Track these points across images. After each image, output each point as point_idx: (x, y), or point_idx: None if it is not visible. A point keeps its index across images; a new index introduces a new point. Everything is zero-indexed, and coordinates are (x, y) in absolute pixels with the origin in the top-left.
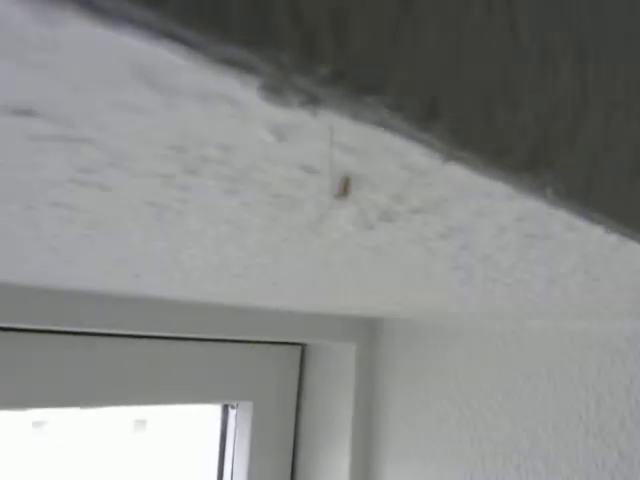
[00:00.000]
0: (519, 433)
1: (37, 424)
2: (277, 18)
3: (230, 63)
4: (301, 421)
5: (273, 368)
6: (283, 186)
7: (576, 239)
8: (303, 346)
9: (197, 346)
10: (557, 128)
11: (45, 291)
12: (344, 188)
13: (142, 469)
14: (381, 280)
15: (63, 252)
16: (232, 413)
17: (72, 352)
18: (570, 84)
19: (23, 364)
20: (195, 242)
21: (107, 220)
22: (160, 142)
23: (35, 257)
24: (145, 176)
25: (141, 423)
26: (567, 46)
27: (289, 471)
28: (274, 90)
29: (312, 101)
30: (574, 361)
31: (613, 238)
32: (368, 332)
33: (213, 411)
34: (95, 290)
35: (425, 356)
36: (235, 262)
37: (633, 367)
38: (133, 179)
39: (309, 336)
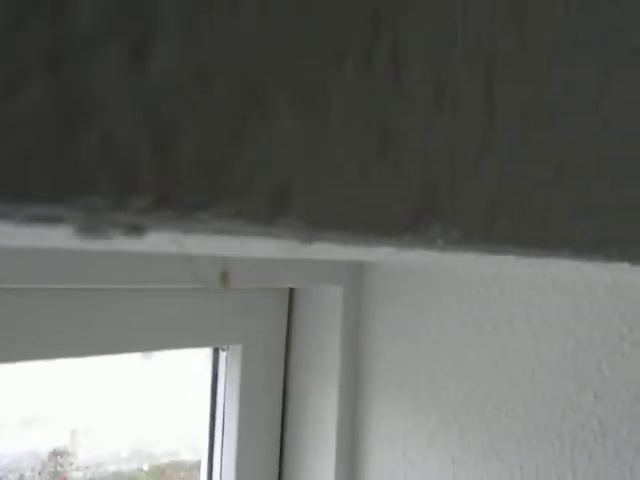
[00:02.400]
0: (499, 374)
1: None
2: (84, 161)
3: (38, 220)
4: (290, 362)
5: (261, 312)
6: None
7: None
8: (291, 289)
9: (187, 293)
10: (453, 170)
11: (41, 251)
12: (224, 281)
13: (147, 393)
14: None
15: None
16: (223, 355)
17: (69, 306)
18: (474, 115)
19: (20, 319)
20: None
21: None
22: None
23: None
24: None
25: (148, 352)
26: (473, 73)
27: (279, 410)
28: (91, 230)
29: (135, 230)
30: (553, 306)
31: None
32: (355, 275)
33: (207, 351)
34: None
35: (410, 299)
36: None
37: (610, 314)
38: None
39: (296, 280)
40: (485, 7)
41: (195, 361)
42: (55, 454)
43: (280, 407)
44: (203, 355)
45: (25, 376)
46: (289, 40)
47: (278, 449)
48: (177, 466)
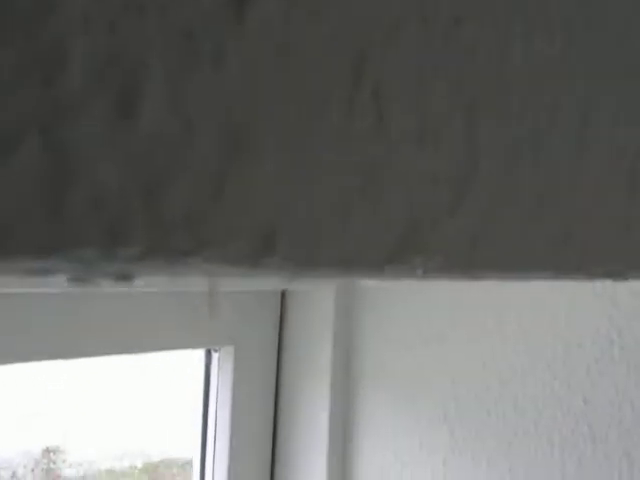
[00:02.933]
0: (490, 377)
1: None
2: (75, 217)
3: (30, 273)
4: (282, 363)
5: (253, 313)
6: None
7: None
8: (283, 290)
9: (179, 295)
10: (434, 205)
11: None
12: (210, 310)
13: (140, 391)
14: None
15: None
16: (215, 356)
17: (62, 308)
18: (455, 152)
19: (14, 322)
20: None
21: None
22: None
23: None
24: None
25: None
26: (455, 110)
27: (272, 411)
28: (81, 280)
29: (124, 278)
30: (544, 310)
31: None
32: None
33: (199, 352)
34: None
35: (401, 301)
36: None
37: (599, 318)
38: None
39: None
40: (468, 44)
41: (188, 361)
42: (48, 451)
43: (272, 407)
44: (196, 356)
45: (18, 374)
46: (273, 88)
47: (270, 449)
48: (170, 463)
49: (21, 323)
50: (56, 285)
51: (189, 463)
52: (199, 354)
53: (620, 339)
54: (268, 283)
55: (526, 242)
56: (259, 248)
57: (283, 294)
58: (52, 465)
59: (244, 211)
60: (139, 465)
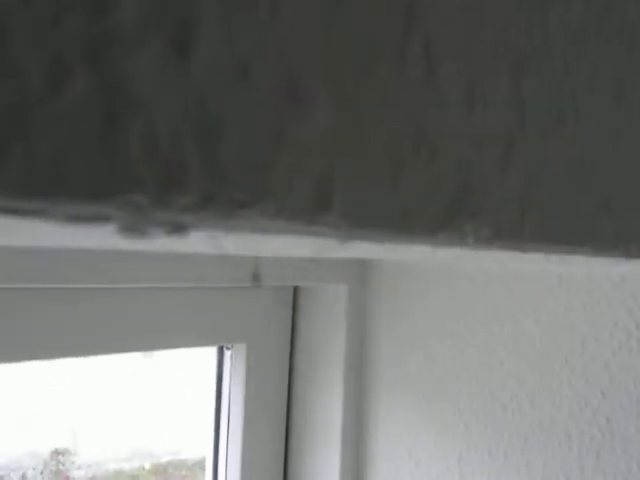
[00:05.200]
0: (505, 373)
1: None
2: (128, 158)
3: (80, 219)
4: (295, 361)
5: (265, 310)
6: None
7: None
8: (295, 287)
9: (191, 291)
10: (484, 166)
11: (42, 250)
12: (255, 274)
13: (151, 391)
14: None
15: None
16: (227, 354)
17: (72, 305)
18: (503, 111)
19: (24, 318)
20: None
21: None
22: None
23: None
24: None
25: (152, 351)
26: (500, 72)
27: (284, 408)
28: (133, 230)
29: (177, 229)
30: (560, 303)
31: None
32: (359, 273)
33: (211, 350)
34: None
35: (415, 297)
36: None
37: (617, 311)
38: None
39: (301, 278)
40: (510, 2)
41: (200, 360)
42: (57, 453)
43: (285, 405)
44: (208, 354)
45: (26, 375)
46: (324, 36)
47: (283, 447)
48: (178, 464)
49: (29, 320)
50: (105, 240)
51: (198, 464)
52: (211, 351)
53: (638, 331)
54: (318, 248)
55: (569, 211)
56: (315, 204)
57: (295, 291)
58: (61, 467)
59: (299, 163)
60: (147, 466)
